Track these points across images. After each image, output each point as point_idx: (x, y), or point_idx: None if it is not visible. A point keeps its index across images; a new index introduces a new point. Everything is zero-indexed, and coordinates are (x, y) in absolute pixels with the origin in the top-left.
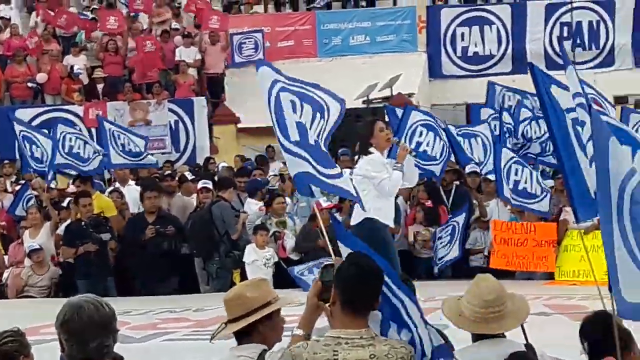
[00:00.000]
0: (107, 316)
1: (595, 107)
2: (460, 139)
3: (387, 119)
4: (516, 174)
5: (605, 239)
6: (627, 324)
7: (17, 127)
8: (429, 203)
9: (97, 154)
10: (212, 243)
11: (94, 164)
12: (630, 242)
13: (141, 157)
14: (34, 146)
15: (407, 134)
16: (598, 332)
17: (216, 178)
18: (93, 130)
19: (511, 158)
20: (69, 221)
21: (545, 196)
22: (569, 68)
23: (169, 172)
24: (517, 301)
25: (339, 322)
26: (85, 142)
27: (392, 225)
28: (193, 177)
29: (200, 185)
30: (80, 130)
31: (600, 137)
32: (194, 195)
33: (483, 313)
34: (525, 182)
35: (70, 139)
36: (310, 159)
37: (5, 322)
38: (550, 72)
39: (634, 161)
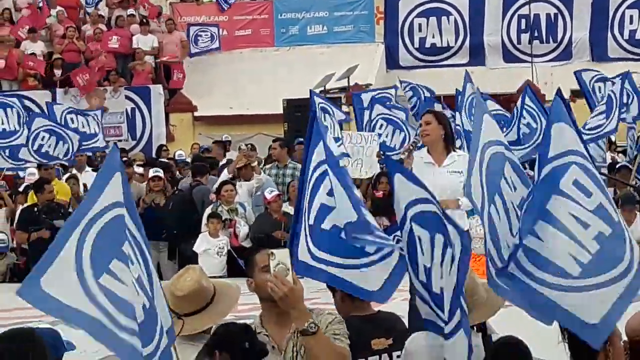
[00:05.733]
0: None
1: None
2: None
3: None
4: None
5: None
6: None
7: None
8: (379, 194)
9: (66, 144)
10: (193, 225)
11: (60, 154)
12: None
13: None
14: None
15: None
16: None
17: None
18: None
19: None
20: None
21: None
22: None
23: (125, 159)
24: (492, 291)
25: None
26: (58, 133)
27: None
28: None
29: (151, 173)
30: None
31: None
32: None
33: None
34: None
35: (44, 137)
36: None
37: None
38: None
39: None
